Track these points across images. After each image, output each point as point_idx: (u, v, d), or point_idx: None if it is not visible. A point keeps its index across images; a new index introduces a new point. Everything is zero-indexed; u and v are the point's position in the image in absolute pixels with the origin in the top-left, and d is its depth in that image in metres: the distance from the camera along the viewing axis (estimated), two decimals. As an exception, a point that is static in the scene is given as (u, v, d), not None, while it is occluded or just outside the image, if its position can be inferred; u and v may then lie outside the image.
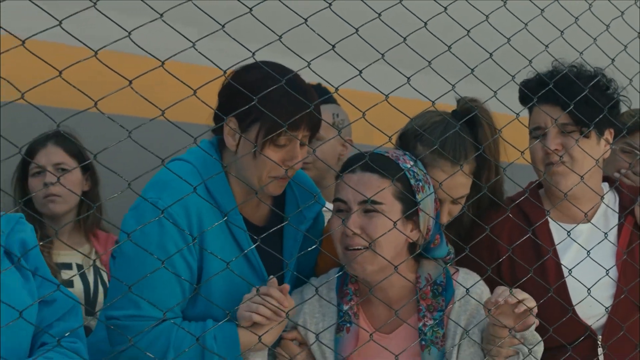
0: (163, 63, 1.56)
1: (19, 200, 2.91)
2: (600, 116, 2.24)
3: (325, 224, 2.38)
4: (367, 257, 2.02)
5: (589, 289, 2.25)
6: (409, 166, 2.07)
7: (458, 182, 2.20)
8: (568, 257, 2.35)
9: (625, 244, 2.37)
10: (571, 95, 2.21)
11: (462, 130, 2.18)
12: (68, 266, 2.91)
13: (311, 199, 2.25)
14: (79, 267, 2.94)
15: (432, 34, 1.92)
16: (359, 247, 2.02)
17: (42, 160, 2.87)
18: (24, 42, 1.40)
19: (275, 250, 2.15)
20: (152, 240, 1.99)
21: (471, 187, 2.27)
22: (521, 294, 1.98)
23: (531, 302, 1.99)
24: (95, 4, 1.47)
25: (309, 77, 2.05)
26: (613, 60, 2.13)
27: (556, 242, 2.34)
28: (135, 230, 1.91)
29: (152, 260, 1.97)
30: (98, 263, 2.98)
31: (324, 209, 2.37)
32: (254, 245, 2.05)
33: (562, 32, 2.03)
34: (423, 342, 2.05)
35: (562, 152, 2.26)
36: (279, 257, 2.16)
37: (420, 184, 2.07)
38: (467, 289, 2.08)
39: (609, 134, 2.36)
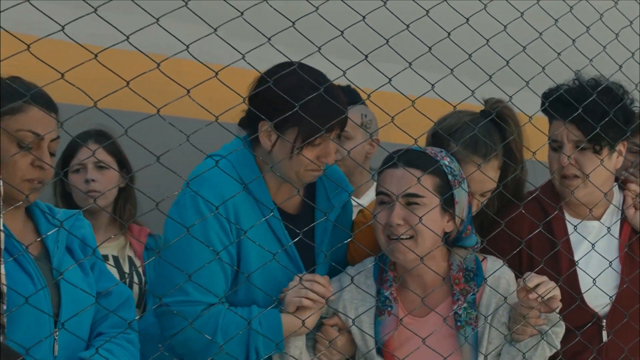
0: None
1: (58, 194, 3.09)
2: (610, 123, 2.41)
3: (354, 216, 2.57)
4: (411, 246, 2.21)
5: (594, 279, 2.43)
6: (447, 162, 2.25)
7: (488, 175, 2.40)
8: (580, 251, 2.53)
9: (626, 238, 2.54)
10: (586, 111, 2.38)
11: (490, 129, 2.37)
12: (105, 258, 3.08)
13: (339, 188, 2.44)
14: (115, 258, 3.11)
15: (455, 43, 2.09)
16: (404, 237, 2.20)
17: (83, 157, 3.05)
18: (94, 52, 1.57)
19: (307, 238, 2.31)
20: (195, 232, 2.15)
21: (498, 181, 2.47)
22: (549, 283, 2.17)
23: (556, 290, 2.18)
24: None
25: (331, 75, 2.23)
26: (620, 67, 2.30)
27: (570, 237, 2.52)
28: (193, 226, 2.09)
29: (196, 250, 2.15)
30: (131, 254, 3.15)
31: (354, 203, 2.56)
32: (295, 239, 2.24)
33: (573, 40, 2.20)
34: (459, 323, 2.24)
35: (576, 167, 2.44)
36: (310, 244, 2.34)
37: (457, 179, 2.26)
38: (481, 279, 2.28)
39: (622, 146, 2.53)
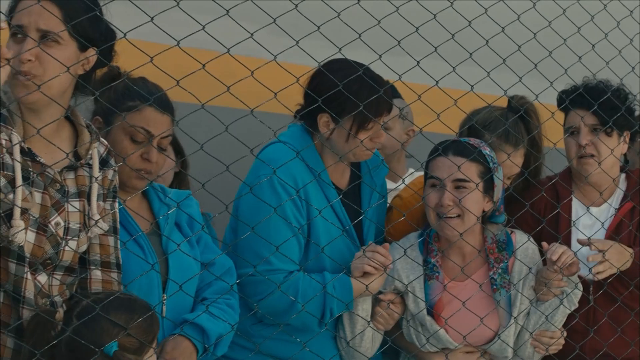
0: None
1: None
2: (617, 115, 2.85)
3: (390, 199, 2.95)
4: (458, 224, 2.60)
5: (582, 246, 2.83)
6: (487, 152, 2.65)
7: (515, 162, 2.81)
8: (580, 226, 2.94)
9: (613, 227, 2.95)
10: (599, 102, 2.83)
11: (518, 122, 2.79)
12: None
13: (380, 167, 2.84)
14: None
15: (475, 30, 2.47)
16: (452, 216, 2.59)
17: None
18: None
19: (355, 210, 2.75)
20: (273, 204, 2.52)
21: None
22: (569, 251, 2.59)
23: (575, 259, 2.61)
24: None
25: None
26: (633, 68, 2.72)
27: (574, 217, 2.94)
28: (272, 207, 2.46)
29: (274, 225, 2.51)
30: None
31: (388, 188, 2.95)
32: (359, 217, 2.68)
33: (593, 45, 2.61)
34: (494, 287, 2.65)
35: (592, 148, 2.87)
36: (359, 210, 2.71)
37: (495, 166, 2.66)
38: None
39: (627, 135, 2.97)
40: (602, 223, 2.92)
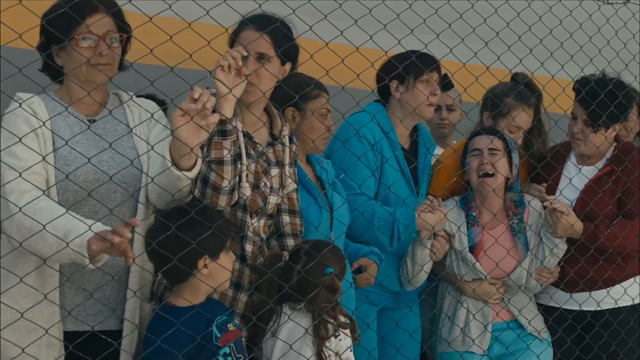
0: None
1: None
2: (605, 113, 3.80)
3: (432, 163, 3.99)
4: (492, 181, 3.69)
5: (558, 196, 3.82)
6: (509, 138, 3.72)
7: (529, 117, 3.89)
8: (564, 182, 3.94)
9: (592, 181, 3.91)
10: (593, 100, 3.78)
11: (526, 90, 3.87)
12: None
13: (431, 141, 3.90)
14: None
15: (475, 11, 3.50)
16: (490, 173, 3.67)
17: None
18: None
19: (413, 167, 3.80)
20: (359, 151, 3.58)
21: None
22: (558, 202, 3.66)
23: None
24: None
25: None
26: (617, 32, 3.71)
27: (566, 173, 3.95)
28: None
29: (360, 165, 3.55)
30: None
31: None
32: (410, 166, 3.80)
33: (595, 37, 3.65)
34: (514, 232, 3.72)
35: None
36: (414, 162, 3.79)
37: (514, 147, 3.72)
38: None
39: (618, 126, 3.89)
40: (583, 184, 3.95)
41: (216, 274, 2.62)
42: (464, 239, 3.72)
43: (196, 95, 2.53)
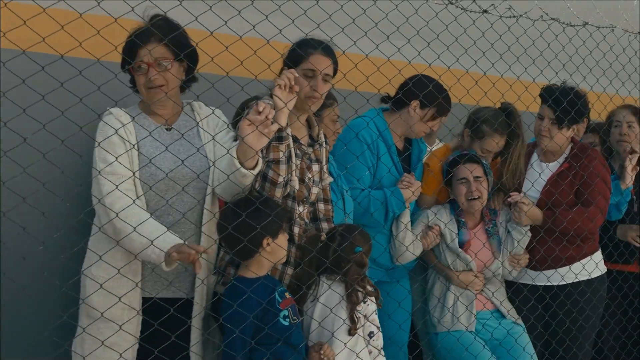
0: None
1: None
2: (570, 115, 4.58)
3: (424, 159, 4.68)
4: (478, 203, 4.41)
5: (524, 193, 4.58)
6: (485, 163, 4.45)
7: (499, 144, 4.54)
8: (533, 176, 4.69)
9: (555, 174, 4.69)
10: (558, 104, 4.53)
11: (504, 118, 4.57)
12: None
13: (422, 144, 4.59)
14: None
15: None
16: (475, 198, 4.39)
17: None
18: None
19: (407, 163, 4.48)
20: (357, 150, 4.24)
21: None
22: (519, 196, 4.42)
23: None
24: None
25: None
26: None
27: (536, 169, 4.69)
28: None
29: (358, 163, 4.22)
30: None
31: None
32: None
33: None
34: (489, 234, 4.47)
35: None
36: (408, 168, 4.48)
37: (489, 171, 4.47)
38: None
39: (577, 126, 4.66)
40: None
41: (276, 251, 3.27)
42: (455, 237, 4.45)
43: (260, 109, 3.17)
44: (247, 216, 3.17)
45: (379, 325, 3.56)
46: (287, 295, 3.35)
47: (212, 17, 3.21)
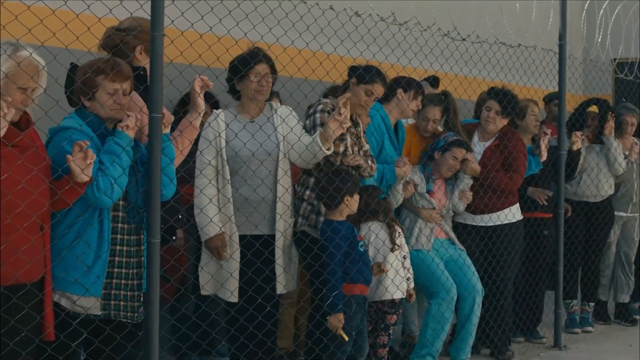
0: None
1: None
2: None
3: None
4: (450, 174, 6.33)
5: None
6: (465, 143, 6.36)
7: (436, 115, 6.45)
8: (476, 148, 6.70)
9: (488, 149, 6.72)
10: (504, 99, 6.50)
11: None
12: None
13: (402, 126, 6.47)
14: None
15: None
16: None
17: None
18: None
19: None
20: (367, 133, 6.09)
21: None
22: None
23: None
24: None
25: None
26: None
27: (476, 144, 6.69)
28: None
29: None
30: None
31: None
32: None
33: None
34: (446, 185, 6.40)
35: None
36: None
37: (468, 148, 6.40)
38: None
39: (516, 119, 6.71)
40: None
41: (352, 203, 5.07)
42: (424, 187, 6.30)
43: (342, 111, 4.92)
44: (335, 179, 4.96)
45: (408, 250, 5.44)
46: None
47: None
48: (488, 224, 6.59)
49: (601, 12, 7.74)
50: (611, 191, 7.73)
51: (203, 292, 5.08)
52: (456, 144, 6.23)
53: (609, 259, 7.93)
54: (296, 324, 6.08)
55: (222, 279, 4.98)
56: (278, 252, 5.05)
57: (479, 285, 6.20)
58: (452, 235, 6.40)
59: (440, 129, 6.58)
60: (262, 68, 5.00)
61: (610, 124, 7.51)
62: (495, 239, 6.53)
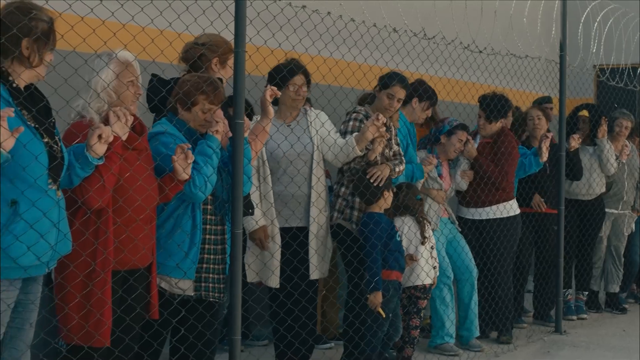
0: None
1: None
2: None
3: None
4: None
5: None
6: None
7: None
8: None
9: (481, 144, 7.34)
10: (489, 104, 7.13)
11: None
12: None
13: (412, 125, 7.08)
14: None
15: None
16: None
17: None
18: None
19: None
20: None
21: None
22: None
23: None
24: None
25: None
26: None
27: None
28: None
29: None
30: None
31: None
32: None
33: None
34: (450, 167, 7.04)
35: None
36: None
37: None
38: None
39: (502, 119, 7.30)
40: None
41: (388, 198, 5.66)
42: (435, 171, 6.84)
43: (380, 117, 5.50)
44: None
45: (434, 242, 6.04)
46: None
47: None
48: (482, 217, 7.17)
49: (580, 22, 8.38)
50: (603, 190, 8.39)
51: (248, 280, 5.62)
52: (460, 127, 6.86)
53: (600, 252, 8.61)
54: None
55: (266, 267, 5.53)
56: (315, 242, 5.60)
57: (472, 266, 6.83)
58: (452, 214, 6.98)
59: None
60: (299, 80, 5.58)
61: (604, 128, 8.17)
62: (489, 230, 7.09)
